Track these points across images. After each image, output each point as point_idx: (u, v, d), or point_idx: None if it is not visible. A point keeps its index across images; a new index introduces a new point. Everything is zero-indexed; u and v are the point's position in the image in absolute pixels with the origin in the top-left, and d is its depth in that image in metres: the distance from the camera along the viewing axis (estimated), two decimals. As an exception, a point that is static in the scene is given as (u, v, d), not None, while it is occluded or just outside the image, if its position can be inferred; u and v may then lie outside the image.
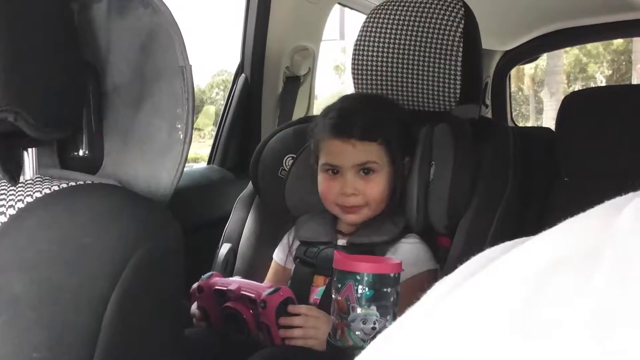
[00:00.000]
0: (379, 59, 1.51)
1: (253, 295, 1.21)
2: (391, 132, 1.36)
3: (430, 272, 1.34)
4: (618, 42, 13.27)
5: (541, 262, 0.25)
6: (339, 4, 2.34)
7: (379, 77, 1.51)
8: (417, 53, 1.47)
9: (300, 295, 1.29)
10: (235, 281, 1.28)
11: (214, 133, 2.24)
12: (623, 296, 0.22)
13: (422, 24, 1.47)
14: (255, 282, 1.29)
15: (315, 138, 1.42)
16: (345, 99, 1.49)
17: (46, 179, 0.74)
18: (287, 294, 1.22)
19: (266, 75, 2.15)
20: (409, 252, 1.33)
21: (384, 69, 1.51)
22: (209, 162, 2.15)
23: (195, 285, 1.31)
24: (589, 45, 13.04)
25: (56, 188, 0.71)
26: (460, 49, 1.44)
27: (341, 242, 1.39)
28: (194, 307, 1.34)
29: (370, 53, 1.52)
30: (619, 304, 0.21)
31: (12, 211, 0.68)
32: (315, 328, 1.20)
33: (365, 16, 1.56)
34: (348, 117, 1.36)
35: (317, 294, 1.36)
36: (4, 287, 0.63)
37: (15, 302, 0.62)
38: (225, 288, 1.25)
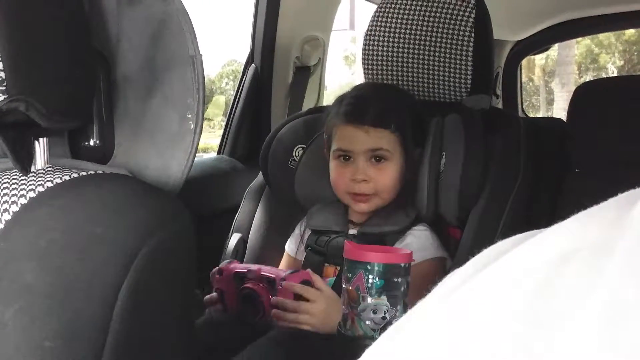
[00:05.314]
0: (390, 49, 1.50)
1: (273, 276, 1.24)
2: (404, 121, 1.36)
3: (438, 260, 1.34)
4: (630, 33, 13.18)
5: (553, 254, 0.25)
6: (350, -7, 2.34)
7: (389, 67, 1.51)
8: (428, 43, 1.47)
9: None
10: (255, 265, 1.32)
11: (223, 123, 2.24)
12: (636, 288, 0.21)
13: (433, 14, 1.46)
14: (275, 268, 1.31)
15: (328, 125, 1.43)
16: (359, 87, 1.50)
17: (57, 169, 0.74)
18: (306, 276, 1.24)
19: (276, 65, 2.14)
20: (416, 239, 1.34)
21: (395, 59, 1.50)
22: (218, 152, 2.15)
23: (215, 268, 1.33)
24: (601, 36, 12.96)
25: (67, 178, 0.71)
26: (472, 39, 1.43)
27: (352, 231, 1.40)
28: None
29: (380, 43, 1.52)
30: (632, 296, 0.21)
31: (23, 200, 0.69)
32: (306, 313, 1.20)
33: (375, 6, 1.55)
34: (362, 103, 1.37)
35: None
36: (16, 276, 0.63)
37: (27, 291, 0.62)
38: (246, 270, 1.27)
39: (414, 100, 1.46)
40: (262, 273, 1.26)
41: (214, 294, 1.34)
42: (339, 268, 1.34)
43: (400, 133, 1.35)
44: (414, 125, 1.39)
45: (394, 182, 1.36)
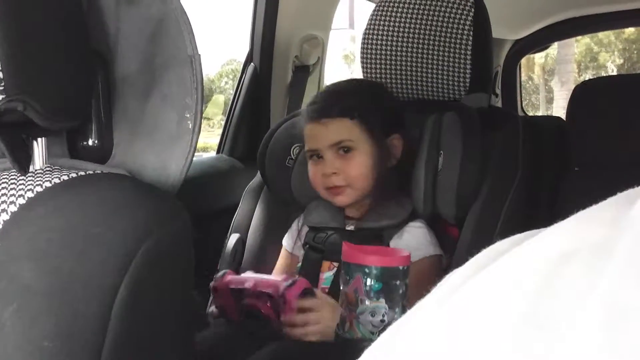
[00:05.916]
0: (389, 47, 1.50)
1: (271, 291, 1.21)
2: (365, 108, 1.36)
3: (435, 258, 1.34)
4: (629, 31, 13.19)
5: (552, 254, 0.25)
6: (349, -8, 2.34)
7: (388, 66, 1.51)
8: (427, 42, 1.47)
9: (309, 281, 1.29)
10: (249, 278, 1.27)
11: (223, 122, 2.24)
12: (636, 288, 0.21)
13: (432, 12, 1.46)
14: (269, 276, 1.28)
15: (301, 130, 1.45)
16: (326, 87, 1.53)
17: (56, 169, 0.74)
18: (303, 285, 1.22)
19: (275, 65, 2.14)
20: (413, 237, 1.34)
21: (394, 57, 1.50)
22: (218, 152, 2.15)
23: (210, 284, 1.30)
24: (600, 34, 12.98)
25: (65, 178, 0.71)
26: (470, 38, 1.43)
27: (349, 227, 1.40)
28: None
29: (379, 42, 1.52)
30: (633, 295, 0.21)
31: (21, 200, 0.69)
32: (316, 323, 1.19)
33: (374, 4, 1.55)
34: (320, 100, 1.40)
35: (324, 282, 1.36)
36: (14, 276, 0.63)
37: (25, 291, 0.62)
38: (242, 287, 1.24)
39: (378, 88, 1.47)
40: (259, 289, 1.22)
41: (216, 310, 1.33)
42: (335, 263, 1.35)
43: (362, 120, 1.35)
44: (378, 111, 1.38)
45: (366, 171, 1.36)
